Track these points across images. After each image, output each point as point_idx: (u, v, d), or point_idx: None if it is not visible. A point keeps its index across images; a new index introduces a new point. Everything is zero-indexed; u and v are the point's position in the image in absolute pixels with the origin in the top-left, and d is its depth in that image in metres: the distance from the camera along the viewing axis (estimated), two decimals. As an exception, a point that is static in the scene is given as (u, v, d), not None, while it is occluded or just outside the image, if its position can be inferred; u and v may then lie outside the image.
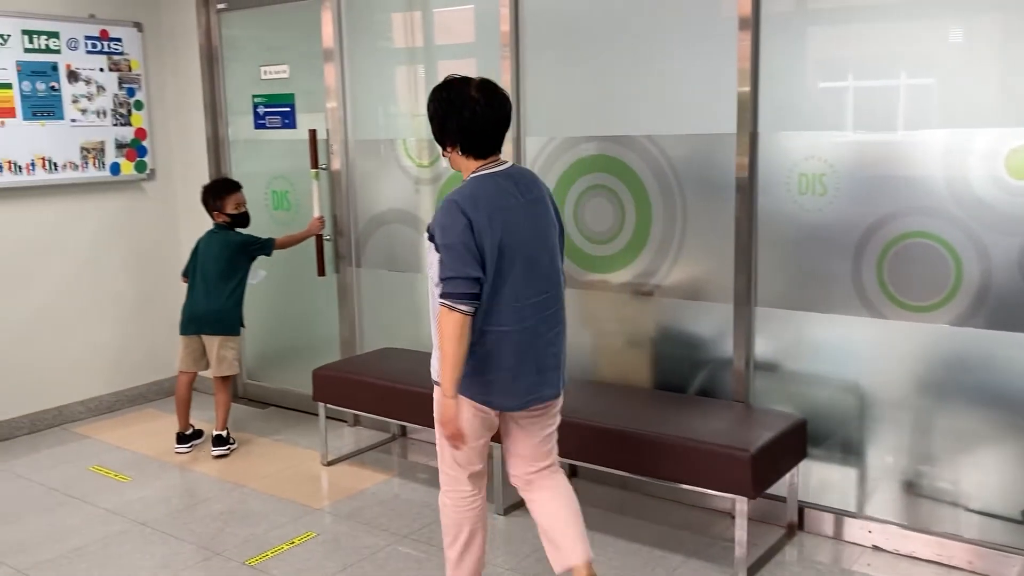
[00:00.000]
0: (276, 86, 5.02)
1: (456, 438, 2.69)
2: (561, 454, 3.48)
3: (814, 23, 3.33)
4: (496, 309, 2.60)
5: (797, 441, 3.36)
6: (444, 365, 2.59)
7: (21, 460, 4.52)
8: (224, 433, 4.52)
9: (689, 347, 3.77)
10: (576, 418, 3.44)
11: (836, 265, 3.34)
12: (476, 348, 2.62)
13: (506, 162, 2.72)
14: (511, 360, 2.64)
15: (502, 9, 4.01)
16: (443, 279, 2.56)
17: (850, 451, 3.43)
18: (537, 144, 4.05)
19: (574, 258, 4.01)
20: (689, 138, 3.63)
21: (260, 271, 4.73)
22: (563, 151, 3.98)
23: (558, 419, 2.86)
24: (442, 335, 2.57)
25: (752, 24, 3.38)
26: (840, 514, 3.46)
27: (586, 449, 3.41)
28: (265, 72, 5.04)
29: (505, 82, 4.04)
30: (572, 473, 4.11)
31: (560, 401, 2.83)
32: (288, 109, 4.97)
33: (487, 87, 2.65)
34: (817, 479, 3.52)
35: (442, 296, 2.56)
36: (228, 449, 4.52)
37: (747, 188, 3.47)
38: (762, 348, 3.58)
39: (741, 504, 3.10)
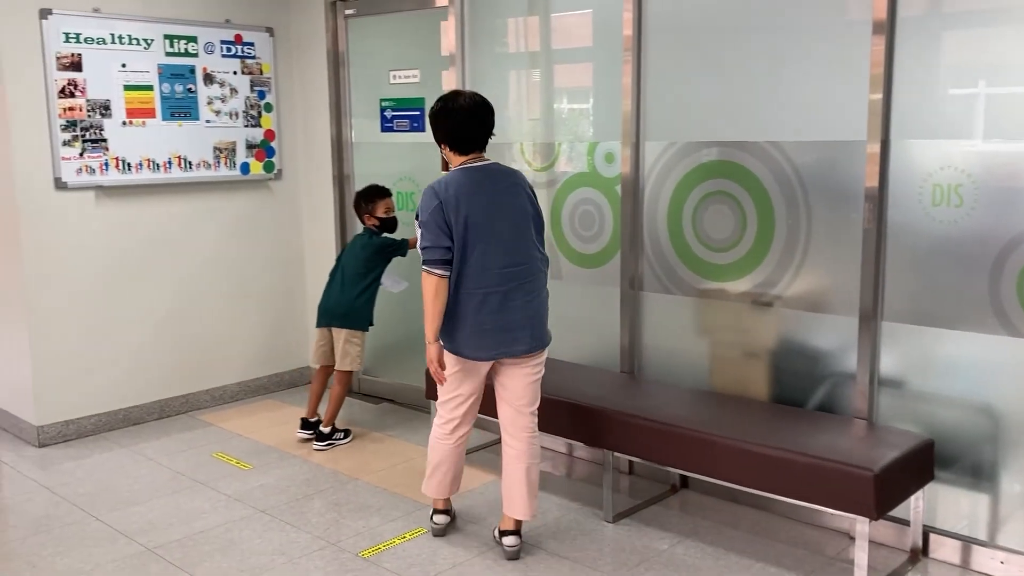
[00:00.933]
0: (406, 90, 5.13)
1: (437, 376, 3.35)
2: (674, 463, 3.46)
3: (951, 26, 3.18)
4: (466, 274, 3.23)
5: (923, 462, 3.22)
6: (426, 318, 3.25)
7: (151, 444, 4.76)
8: (328, 429, 4.65)
9: (810, 360, 3.66)
10: (688, 428, 3.39)
11: (971, 280, 3.18)
12: (451, 306, 3.25)
13: (487, 160, 3.34)
14: (479, 318, 3.23)
15: (625, 14, 3.99)
16: (421, 248, 3.25)
17: (981, 475, 3.26)
18: (657, 148, 4.01)
19: (691, 265, 3.95)
20: (815, 145, 3.53)
21: (403, 281, 4.86)
22: (683, 156, 3.93)
23: (538, 372, 3.40)
24: (424, 294, 3.23)
25: (887, 28, 3.25)
26: (968, 541, 3.29)
27: (698, 460, 3.36)
28: (395, 76, 5.16)
29: (626, 86, 4.02)
30: (683, 484, 4.06)
31: (537, 357, 3.38)
32: (418, 113, 5.08)
33: (473, 100, 3.28)
34: (944, 503, 3.37)
35: (423, 263, 3.24)
36: (330, 444, 4.64)
37: (876, 198, 3.35)
38: (888, 364, 3.44)
39: (862, 525, 2.99)
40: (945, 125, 3.20)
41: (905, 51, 3.26)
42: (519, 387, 3.37)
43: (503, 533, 3.45)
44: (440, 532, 3.62)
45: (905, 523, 3.38)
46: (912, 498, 3.26)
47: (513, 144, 4.61)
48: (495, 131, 3.37)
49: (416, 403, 5.25)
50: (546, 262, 3.40)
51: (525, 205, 3.32)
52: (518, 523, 3.45)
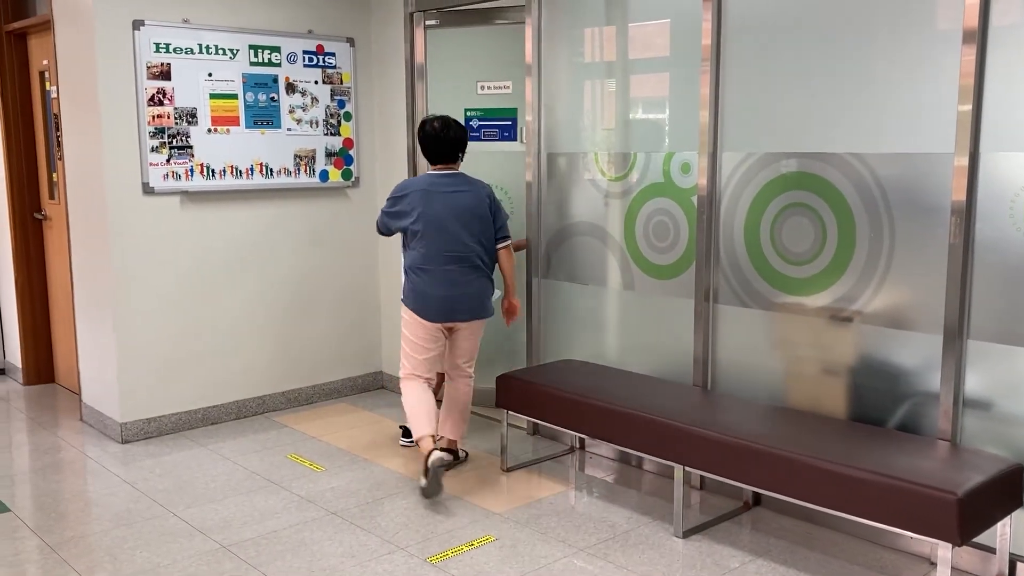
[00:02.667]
0: (497, 100, 5.23)
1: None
2: (746, 480, 3.39)
3: (1050, 35, 3.06)
4: (418, 255, 4.14)
5: (1011, 487, 3.09)
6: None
7: (228, 444, 4.87)
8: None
9: (890, 378, 3.55)
10: (763, 444, 3.32)
11: (1066, 299, 3.05)
12: (409, 278, 4.19)
13: (453, 168, 4.25)
14: (428, 291, 4.13)
15: (704, 23, 3.95)
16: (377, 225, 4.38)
17: (1073, 504, 3.12)
18: (735, 159, 3.95)
19: (768, 278, 3.88)
20: (899, 157, 3.43)
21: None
22: (762, 167, 3.86)
23: (476, 334, 4.33)
24: None
25: (978, 38, 3.15)
26: (1058, 572, 3.15)
27: (772, 478, 3.29)
28: (483, 87, 5.24)
29: (703, 95, 3.98)
30: (756, 501, 3.98)
31: (474, 324, 4.28)
32: (509, 122, 5.19)
33: (441, 125, 4.20)
34: (1032, 531, 3.23)
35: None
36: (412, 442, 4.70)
37: (964, 212, 3.23)
38: (973, 384, 3.32)
39: (944, 551, 2.88)
40: (1039, 137, 3.08)
41: (997, 61, 3.15)
42: (461, 345, 4.32)
43: (440, 450, 4.05)
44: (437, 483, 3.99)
45: (991, 550, 3.25)
46: (998, 525, 3.13)
47: (587, 154, 4.60)
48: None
49: (485, 412, 5.26)
50: (487, 254, 4.22)
51: (475, 208, 4.16)
52: (452, 442, 4.42)
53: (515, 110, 5.14)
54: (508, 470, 4.44)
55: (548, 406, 4.15)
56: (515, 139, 5.18)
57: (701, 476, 4.16)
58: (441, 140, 4.19)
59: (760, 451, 3.32)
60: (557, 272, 4.83)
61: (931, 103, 3.31)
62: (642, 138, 4.37)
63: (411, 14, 5.39)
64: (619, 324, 4.58)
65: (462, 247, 4.13)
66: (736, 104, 3.93)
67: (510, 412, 4.38)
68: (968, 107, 3.19)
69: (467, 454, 4.65)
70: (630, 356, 4.54)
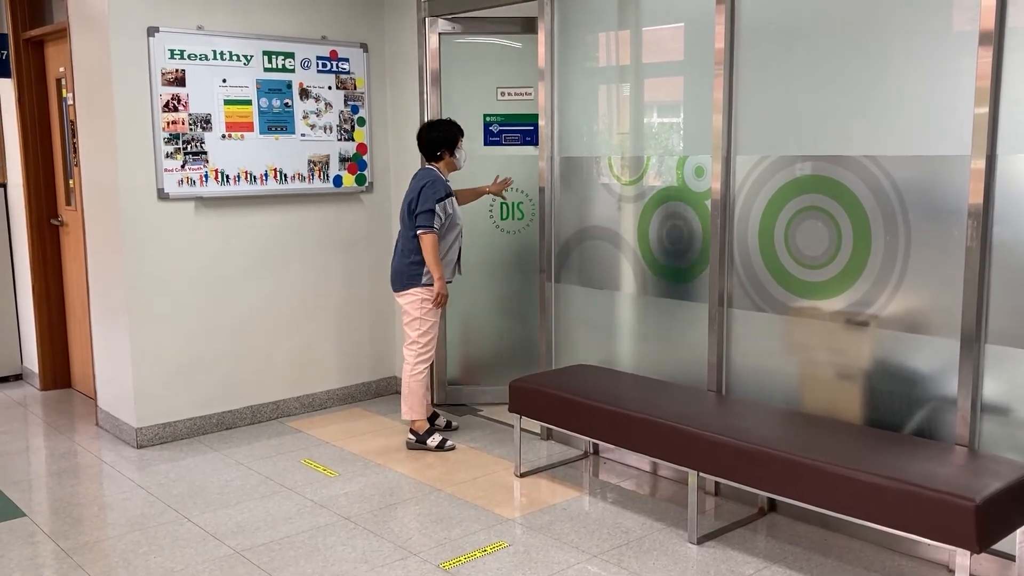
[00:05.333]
0: (518, 106, 5.33)
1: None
2: (762, 486, 3.36)
3: (1068, 36, 3.03)
4: None
5: (1030, 494, 3.05)
6: None
7: (242, 449, 4.88)
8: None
9: (907, 383, 3.52)
10: (778, 450, 3.29)
11: (1085, 303, 3.01)
12: None
13: (425, 165, 4.82)
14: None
15: (717, 27, 3.93)
16: None
17: (1094, 511, 3.07)
18: (749, 163, 3.93)
19: (783, 282, 3.85)
20: (915, 160, 3.40)
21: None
22: (776, 170, 3.84)
23: (405, 311, 4.75)
24: None
25: (995, 39, 3.12)
26: (1079, 580, 3.11)
27: (788, 483, 3.26)
28: (504, 93, 5.29)
29: (717, 99, 3.96)
30: (771, 507, 3.95)
31: (401, 299, 4.77)
32: (532, 128, 5.33)
33: (429, 124, 4.80)
34: (1052, 538, 3.18)
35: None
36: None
37: (981, 215, 3.20)
38: (991, 389, 3.28)
39: (963, 558, 2.84)
40: (1057, 139, 3.04)
41: (1014, 63, 3.12)
42: (402, 319, 4.83)
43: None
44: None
45: (1010, 558, 3.21)
46: (1018, 532, 3.09)
47: (601, 158, 4.59)
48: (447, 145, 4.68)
49: (497, 415, 5.25)
50: (413, 238, 4.66)
51: (408, 197, 4.70)
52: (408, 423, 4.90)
53: (536, 116, 5.16)
54: (522, 475, 4.42)
55: (561, 411, 4.13)
56: (536, 144, 5.21)
57: (716, 482, 4.13)
58: (420, 139, 4.76)
59: (775, 456, 3.29)
60: (570, 276, 4.82)
61: (947, 105, 3.28)
62: (656, 142, 4.36)
63: (424, 19, 5.40)
64: (633, 328, 4.56)
65: (401, 229, 4.78)
66: (750, 107, 3.91)
67: (523, 417, 4.37)
68: (985, 109, 3.16)
69: (423, 436, 4.80)
70: (644, 361, 4.52)
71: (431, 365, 5.06)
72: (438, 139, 4.71)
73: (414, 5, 5.43)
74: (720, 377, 4.12)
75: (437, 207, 4.59)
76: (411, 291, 4.71)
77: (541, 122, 4.78)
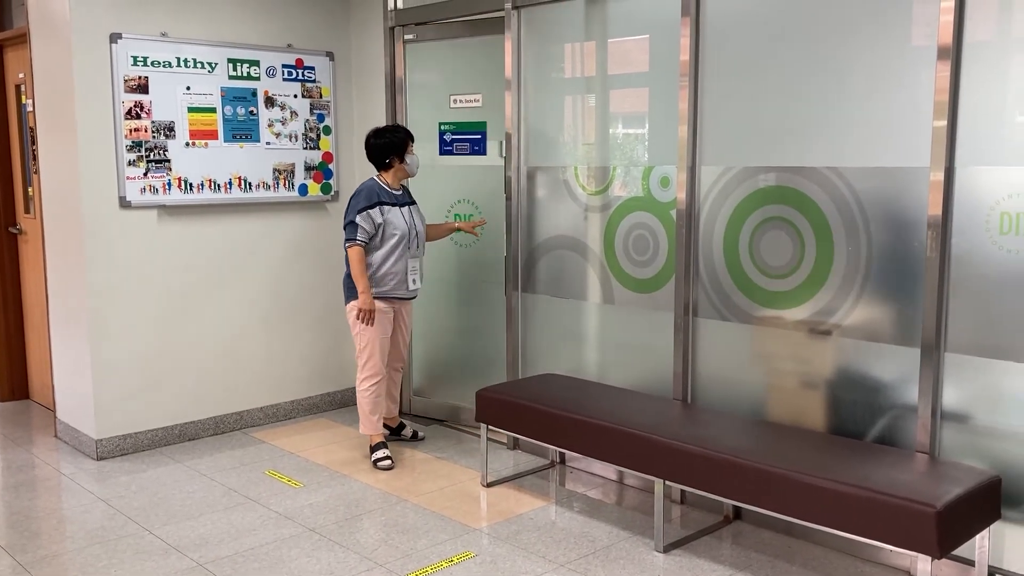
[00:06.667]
0: (467, 114, 5.19)
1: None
2: (727, 494, 3.38)
3: (1019, 52, 3.10)
4: None
5: (989, 500, 3.10)
6: None
7: (205, 460, 4.82)
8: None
9: (869, 391, 3.57)
10: (743, 458, 3.32)
11: (1041, 312, 3.08)
12: None
13: (375, 174, 4.75)
14: None
15: (682, 39, 3.97)
16: None
17: (1050, 516, 3.14)
18: (713, 173, 3.97)
19: (747, 292, 3.89)
20: (876, 171, 3.46)
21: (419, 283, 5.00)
22: (740, 181, 3.88)
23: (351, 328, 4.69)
24: None
25: (952, 54, 3.19)
26: (1036, 584, 3.17)
27: (752, 491, 3.28)
28: (455, 100, 5.23)
29: (682, 111, 3.99)
30: (736, 515, 3.97)
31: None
32: (479, 136, 5.14)
33: (375, 131, 4.71)
34: (1012, 543, 3.24)
35: None
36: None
37: (940, 226, 3.26)
38: (951, 397, 3.34)
39: (924, 564, 2.88)
40: (1013, 152, 3.11)
41: (971, 77, 3.18)
42: None
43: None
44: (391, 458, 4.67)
45: (969, 563, 3.26)
46: (977, 537, 3.14)
47: (568, 168, 4.60)
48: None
49: (464, 425, 5.24)
50: (344, 242, 4.62)
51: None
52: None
53: (484, 124, 5.12)
54: (488, 485, 4.41)
55: (528, 420, 4.13)
56: (484, 153, 5.16)
57: (682, 490, 4.15)
58: (368, 147, 4.70)
59: (740, 465, 3.32)
60: (537, 286, 4.83)
61: (907, 118, 3.34)
62: (622, 152, 4.39)
63: (391, 28, 5.40)
64: (599, 338, 4.58)
65: None
66: (714, 119, 3.95)
67: (490, 427, 4.36)
68: (943, 122, 3.22)
69: (372, 449, 4.74)
70: (610, 370, 4.53)
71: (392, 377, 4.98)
72: (385, 145, 4.63)
73: (381, 14, 5.42)
74: (686, 386, 4.15)
75: (358, 218, 4.50)
76: (349, 305, 4.66)
77: (508, 131, 4.79)
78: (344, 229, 4.59)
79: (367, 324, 4.58)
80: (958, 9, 3.17)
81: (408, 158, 4.67)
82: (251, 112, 5.18)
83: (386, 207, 4.58)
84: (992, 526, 3.17)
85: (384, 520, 4.00)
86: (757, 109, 3.80)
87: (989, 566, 3.24)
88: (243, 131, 5.16)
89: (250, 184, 5.21)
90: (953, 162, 3.24)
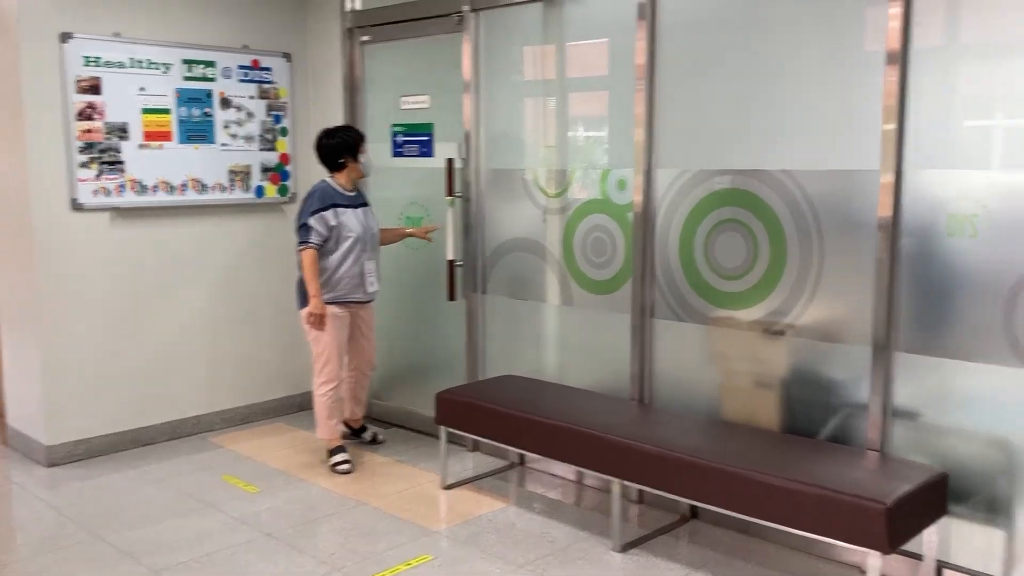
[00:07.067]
0: (416, 116, 5.17)
1: None
2: (683, 493, 3.42)
3: (967, 58, 3.17)
4: None
5: (937, 496, 3.17)
6: None
7: (160, 465, 4.75)
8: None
9: (821, 390, 3.63)
10: (698, 458, 3.36)
11: (986, 312, 3.15)
12: None
13: (327, 175, 4.69)
14: None
15: (638, 43, 4.00)
16: None
17: (996, 510, 3.21)
18: (669, 176, 4.01)
19: (702, 293, 3.94)
20: (828, 174, 3.52)
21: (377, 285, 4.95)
22: (695, 184, 3.93)
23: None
24: None
25: (900, 59, 3.25)
26: (983, 577, 3.24)
27: (708, 490, 3.32)
28: (405, 102, 5.20)
29: (638, 114, 4.03)
30: (693, 514, 4.01)
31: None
32: (427, 138, 5.11)
33: (325, 132, 4.66)
34: (958, 538, 3.31)
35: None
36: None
37: (890, 228, 3.33)
38: (901, 395, 3.41)
39: (874, 559, 2.94)
40: (961, 155, 3.18)
41: (919, 82, 3.25)
42: None
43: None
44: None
45: (918, 558, 3.33)
46: (925, 532, 3.21)
47: (527, 170, 4.62)
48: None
49: (424, 428, 5.23)
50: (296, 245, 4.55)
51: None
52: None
53: (431, 125, 5.11)
54: (448, 487, 4.41)
55: (487, 422, 4.13)
56: (432, 155, 5.11)
57: (639, 490, 4.18)
58: (319, 148, 4.63)
59: (695, 464, 3.35)
60: (497, 288, 4.83)
61: (858, 122, 3.40)
62: (580, 155, 4.41)
63: (349, 29, 5.38)
64: (558, 339, 4.60)
65: None
66: (670, 122, 3.99)
67: (450, 429, 4.36)
68: (892, 126, 3.29)
69: (330, 453, 4.70)
70: (569, 371, 4.56)
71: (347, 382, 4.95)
72: (338, 145, 4.56)
73: (338, 15, 5.40)
74: (643, 386, 4.18)
75: (312, 220, 4.42)
76: (303, 310, 4.57)
77: (467, 133, 4.79)
78: (296, 232, 4.52)
79: (318, 329, 4.52)
80: (905, 15, 3.24)
81: (362, 158, 4.62)
82: (206, 113, 5.13)
83: (340, 209, 4.52)
84: (939, 521, 3.24)
85: (342, 524, 3.98)
86: (712, 112, 3.84)
87: (937, 560, 3.31)
88: (198, 132, 5.10)
89: (205, 186, 5.15)
90: (902, 165, 3.31)
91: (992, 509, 3.22)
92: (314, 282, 4.44)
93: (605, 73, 4.27)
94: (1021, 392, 3.11)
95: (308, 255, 4.44)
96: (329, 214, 4.48)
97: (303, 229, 4.46)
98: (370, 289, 4.67)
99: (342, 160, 4.58)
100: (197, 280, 5.22)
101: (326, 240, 4.48)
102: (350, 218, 4.54)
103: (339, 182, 4.61)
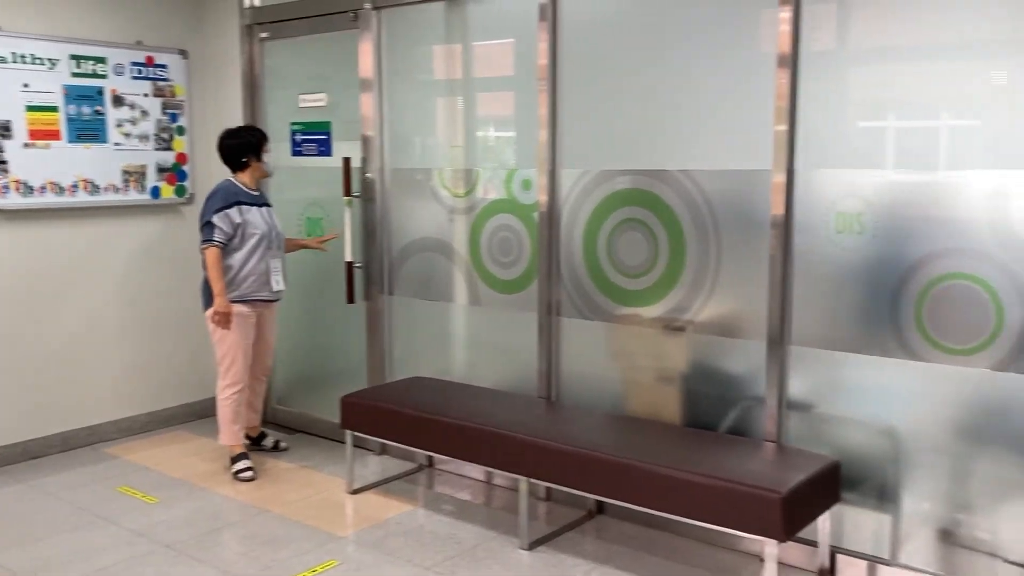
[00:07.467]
0: (314, 114, 5.08)
1: None
2: (588, 489, 3.45)
3: (855, 62, 3.30)
4: None
5: (830, 484, 3.29)
6: None
7: (52, 478, 4.55)
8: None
9: (721, 384, 3.72)
10: (603, 454, 3.40)
11: (873, 306, 3.28)
12: None
13: (230, 175, 4.60)
14: None
15: (540, 44, 4.03)
16: None
17: (885, 496, 3.35)
18: (572, 176, 4.05)
19: (606, 291, 3.99)
20: (725, 174, 3.60)
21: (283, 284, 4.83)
22: (597, 184, 3.97)
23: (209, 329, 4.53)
24: None
25: (791, 62, 3.36)
26: (874, 561, 3.37)
27: (613, 486, 3.36)
28: (303, 100, 5.12)
29: (542, 115, 4.05)
30: (599, 509, 4.06)
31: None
32: (325, 137, 5.03)
33: (226, 132, 4.61)
34: (850, 524, 3.44)
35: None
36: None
37: (783, 225, 3.43)
38: (796, 388, 3.52)
39: (771, 547, 3.03)
40: (848, 155, 3.31)
41: (809, 84, 3.36)
42: None
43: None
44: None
45: (813, 544, 3.44)
46: (820, 519, 3.32)
47: (432, 170, 4.60)
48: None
49: (330, 434, 5.14)
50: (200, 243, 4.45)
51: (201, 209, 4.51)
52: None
53: (329, 124, 5.04)
54: (354, 492, 4.35)
55: (394, 425, 4.10)
56: (331, 154, 5.04)
57: (547, 487, 4.21)
58: (221, 148, 4.58)
59: (600, 459, 3.39)
60: (403, 288, 4.80)
61: (752, 123, 3.50)
62: (485, 155, 4.41)
63: (248, 26, 5.25)
64: (466, 339, 4.59)
65: None
66: (573, 123, 4.02)
67: (356, 433, 4.30)
68: (784, 127, 3.39)
69: (233, 460, 4.59)
70: (477, 371, 4.55)
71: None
72: (240, 146, 4.51)
73: (236, 12, 5.27)
74: (550, 384, 4.21)
75: (215, 218, 4.35)
76: (208, 310, 4.46)
77: (369, 133, 4.74)
78: (200, 230, 4.42)
79: (224, 328, 4.42)
80: (795, 19, 3.34)
81: (265, 157, 4.57)
82: (97, 111, 4.93)
83: (244, 207, 4.45)
84: (833, 508, 3.36)
85: (245, 532, 3.88)
86: (613, 113, 3.89)
87: (831, 546, 3.43)
88: (89, 131, 4.91)
89: (98, 187, 4.96)
90: (794, 165, 3.41)
91: (881, 495, 3.35)
92: (219, 280, 4.35)
93: (510, 73, 4.28)
94: (907, 382, 3.25)
95: (212, 253, 4.34)
96: (234, 211, 4.40)
97: (207, 227, 4.38)
98: (276, 288, 4.58)
99: (245, 159, 4.52)
100: (91, 284, 5.02)
101: (231, 238, 4.40)
102: (255, 216, 4.47)
103: (243, 181, 4.53)
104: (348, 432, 4.33)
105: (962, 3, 3.03)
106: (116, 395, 5.19)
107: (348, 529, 3.92)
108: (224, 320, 4.39)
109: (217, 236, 4.35)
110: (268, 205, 4.63)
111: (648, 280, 3.86)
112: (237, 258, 4.43)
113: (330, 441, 5.12)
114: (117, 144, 5.03)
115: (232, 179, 4.54)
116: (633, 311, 3.92)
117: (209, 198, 4.45)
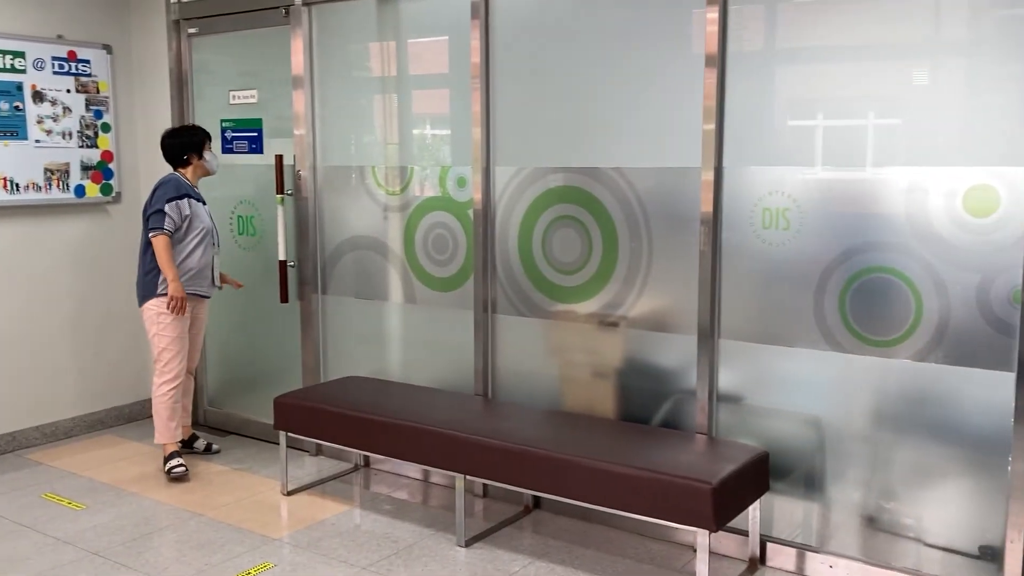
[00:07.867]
0: (244, 111, 5.01)
1: None
2: (524, 484, 3.48)
3: (780, 62, 3.38)
4: None
5: (759, 474, 3.37)
6: None
7: (-28, 486, 4.41)
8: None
9: (653, 378, 3.77)
10: (538, 449, 3.42)
11: (799, 299, 3.37)
12: None
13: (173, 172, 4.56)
14: None
15: (472, 41, 4.03)
16: None
17: (812, 485, 3.44)
18: (506, 174, 4.06)
19: (542, 287, 4.01)
20: (655, 171, 3.66)
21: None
22: (531, 181, 4.00)
23: (145, 326, 4.48)
24: None
25: (718, 62, 3.42)
26: (802, 549, 3.46)
27: (547, 480, 3.39)
28: (234, 97, 5.04)
29: (475, 112, 4.06)
30: (536, 504, 4.09)
31: (142, 311, 4.49)
32: (256, 134, 4.96)
33: (168, 131, 4.61)
34: (779, 513, 3.53)
35: None
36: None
37: (711, 222, 3.50)
38: (725, 380, 3.59)
39: (702, 537, 3.09)
40: (773, 153, 3.39)
41: (736, 84, 3.43)
42: None
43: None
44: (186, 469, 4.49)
45: (744, 533, 3.52)
46: (750, 509, 3.40)
47: (366, 168, 4.57)
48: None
49: (263, 435, 5.08)
50: (148, 244, 4.39)
51: (147, 199, 4.44)
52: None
53: (260, 121, 4.98)
54: (289, 494, 4.30)
55: (328, 425, 4.06)
56: (262, 152, 4.98)
57: (484, 484, 4.22)
58: (163, 147, 4.55)
59: (535, 455, 3.42)
60: (338, 287, 4.75)
61: (682, 121, 3.56)
62: (420, 152, 4.40)
63: (175, 21, 5.15)
64: (402, 338, 4.57)
65: (141, 240, 4.50)
66: (506, 121, 4.04)
67: (290, 434, 4.25)
68: (711, 126, 3.46)
69: (166, 459, 4.51)
70: (414, 369, 4.54)
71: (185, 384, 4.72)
72: (183, 144, 4.50)
73: (163, 6, 5.16)
74: (486, 381, 4.22)
75: (167, 207, 4.33)
76: (148, 304, 4.42)
77: (300, 130, 4.69)
78: (148, 218, 4.36)
79: (179, 313, 4.38)
80: (722, 21, 3.41)
81: (207, 154, 4.55)
82: (16, 107, 4.78)
83: (192, 200, 4.46)
84: (762, 498, 3.44)
85: (176, 537, 3.81)
86: (546, 111, 3.92)
87: (761, 535, 3.51)
88: (8, 128, 4.75)
89: (17, 186, 4.80)
90: (721, 162, 3.48)
91: (809, 484, 3.45)
92: (171, 267, 4.33)
93: (444, 71, 4.27)
94: (832, 374, 3.34)
95: (162, 240, 4.32)
96: (184, 203, 4.40)
97: (157, 215, 4.34)
98: (214, 283, 4.63)
99: (187, 156, 4.52)
100: (11, 286, 4.86)
101: (177, 229, 4.39)
102: (200, 210, 4.51)
103: (186, 177, 4.52)
104: (282, 433, 4.28)
105: (884, 6, 3.13)
106: (38, 400, 5.03)
107: (283, 531, 3.88)
108: (180, 305, 4.37)
109: (167, 224, 4.34)
110: (204, 203, 4.60)
111: (582, 276, 3.90)
112: (181, 250, 4.43)
113: (264, 443, 5.05)
114: (38, 141, 4.88)
115: (177, 174, 4.51)
116: (568, 307, 3.96)
117: (158, 187, 4.41)
